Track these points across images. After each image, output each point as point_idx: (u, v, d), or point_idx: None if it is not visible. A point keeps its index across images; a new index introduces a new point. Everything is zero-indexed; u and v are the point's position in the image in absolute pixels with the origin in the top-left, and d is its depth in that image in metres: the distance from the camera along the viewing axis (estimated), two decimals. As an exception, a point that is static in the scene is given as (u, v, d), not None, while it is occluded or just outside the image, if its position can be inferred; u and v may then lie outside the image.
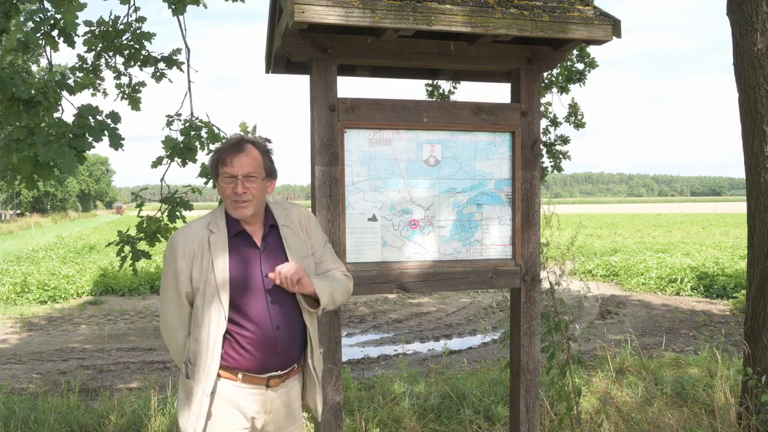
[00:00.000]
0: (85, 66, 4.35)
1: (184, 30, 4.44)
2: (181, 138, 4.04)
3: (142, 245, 4.28)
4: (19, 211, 65.32)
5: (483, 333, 8.82)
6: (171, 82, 4.62)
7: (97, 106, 3.23)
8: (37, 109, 3.25)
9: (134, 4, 4.38)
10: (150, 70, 4.51)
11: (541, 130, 5.44)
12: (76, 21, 3.13)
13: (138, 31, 4.31)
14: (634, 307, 11.01)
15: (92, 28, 4.24)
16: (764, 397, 3.89)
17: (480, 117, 2.95)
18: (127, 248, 4.26)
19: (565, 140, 7.32)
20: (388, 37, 2.61)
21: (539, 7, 2.64)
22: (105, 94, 4.86)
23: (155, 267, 14.63)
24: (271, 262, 2.27)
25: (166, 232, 4.20)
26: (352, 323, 9.85)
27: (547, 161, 7.29)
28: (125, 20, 4.33)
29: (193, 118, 4.22)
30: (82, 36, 4.23)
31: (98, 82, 4.59)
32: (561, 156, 7.32)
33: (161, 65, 4.49)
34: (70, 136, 3.08)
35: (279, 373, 2.27)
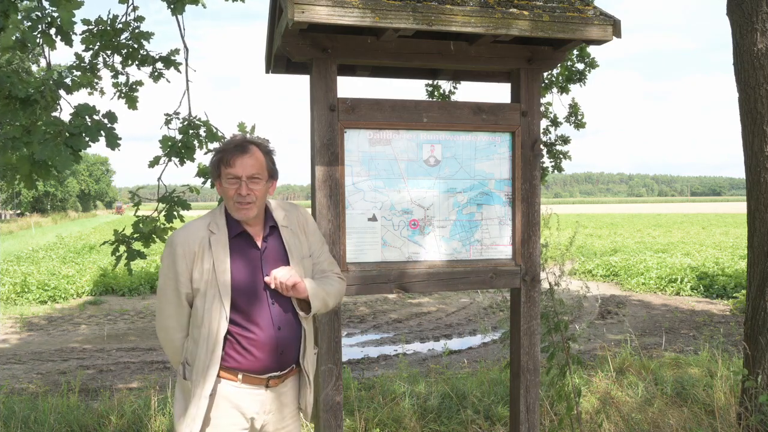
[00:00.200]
0: (82, 65, 4.35)
1: (183, 29, 4.44)
2: (179, 137, 4.03)
3: (137, 245, 4.27)
4: (19, 211, 65.32)
5: (483, 333, 8.82)
6: (169, 82, 4.62)
7: (93, 106, 3.23)
8: (34, 107, 3.25)
9: (133, 4, 4.38)
10: (148, 69, 4.50)
11: (542, 130, 5.44)
12: (73, 19, 3.12)
13: (136, 31, 4.30)
14: (634, 307, 11.01)
15: (90, 27, 4.24)
16: (762, 398, 3.89)
17: (480, 117, 2.95)
18: (122, 248, 4.25)
19: (565, 140, 7.32)
20: (388, 37, 2.61)
21: (539, 7, 2.64)
22: (102, 93, 4.85)
23: (155, 267, 14.64)
24: (271, 262, 2.27)
25: (162, 232, 4.19)
26: (352, 323, 9.85)
27: (547, 161, 7.29)
28: (124, 19, 4.33)
29: (192, 117, 4.21)
30: (80, 35, 4.23)
31: (96, 81, 4.58)
32: (561, 156, 7.32)
33: (159, 65, 4.49)
34: (67, 134, 3.08)
35: (278, 373, 2.28)
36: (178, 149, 3.97)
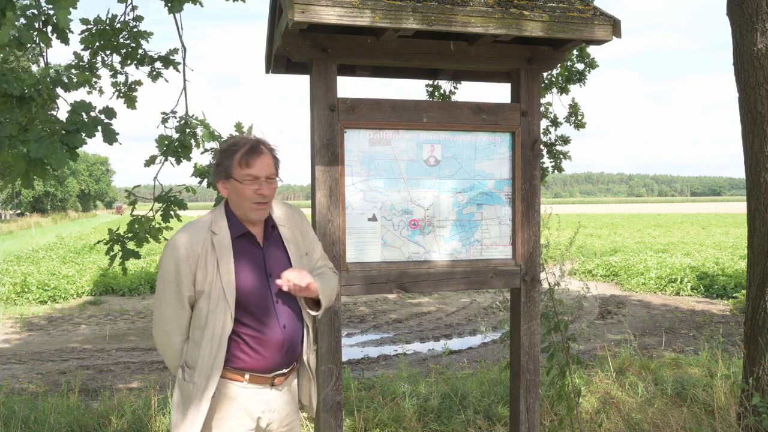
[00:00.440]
0: (81, 64, 4.35)
1: (181, 29, 4.45)
2: (175, 136, 4.03)
3: (132, 245, 4.26)
4: (19, 211, 65.32)
5: (483, 333, 8.82)
6: (167, 81, 4.62)
7: (90, 103, 3.22)
8: (30, 105, 3.24)
9: (132, 3, 4.38)
10: (146, 69, 4.50)
11: (542, 131, 5.44)
12: (69, 17, 3.11)
13: (135, 30, 4.30)
14: (634, 307, 11.01)
15: (89, 27, 4.23)
16: (755, 399, 3.89)
17: (480, 117, 2.95)
18: (116, 247, 4.24)
19: (565, 140, 7.32)
20: (388, 37, 2.61)
21: (539, 7, 2.64)
22: (101, 92, 4.85)
23: (155, 267, 14.64)
24: (274, 261, 2.29)
25: (157, 232, 4.18)
26: (352, 323, 9.85)
27: (547, 161, 7.29)
28: (122, 19, 4.33)
29: (189, 117, 4.21)
30: (79, 34, 4.22)
31: (94, 80, 4.57)
32: (561, 156, 7.32)
33: (158, 64, 4.49)
34: (62, 132, 3.07)
35: (284, 371, 2.30)
36: (174, 148, 3.96)
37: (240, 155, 2.22)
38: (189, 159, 4.02)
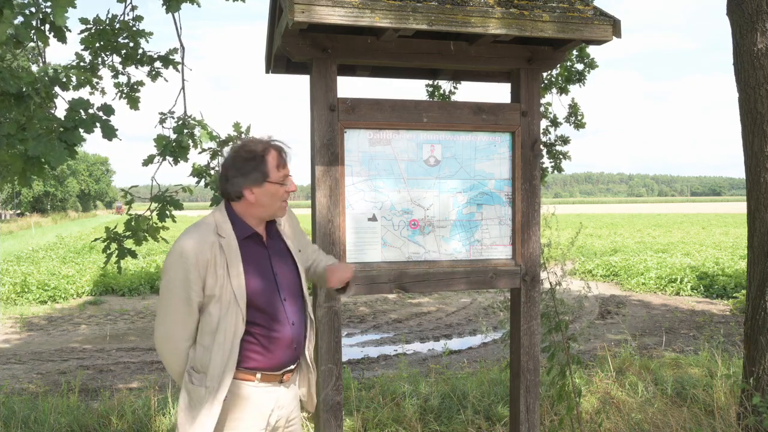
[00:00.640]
0: (82, 64, 4.35)
1: (180, 28, 4.45)
2: (173, 136, 4.03)
3: (129, 243, 4.26)
4: (19, 211, 65.30)
5: (483, 333, 8.82)
6: (167, 81, 4.62)
7: (87, 100, 3.21)
8: (27, 103, 3.23)
9: (131, 3, 4.38)
10: (146, 69, 4.50)
11: (541, 131, 5.43)
12: (66, 15, 3.11)
13: (134, 29, 4.31)
14: (634, 307, 11.01)
15: (89, 26, 4.23)
16: (755, 399, 3.89)
17: (480, 117, 2.95)
18: (113, 245, 4.24)
19: (565, 140, 7.32)
20: (388, 37, 2.61)
21: (539, 7, 2.64)
22: (103, 92, 4.85)
23: (155, 267, 14.64)
24: (279, 260, 2.33)
25: (154, 231, 4.18)
26: (352, 323, 9.85)
27: (547, 161, 7.29)
28: (122, 18, 4.33)
29: (187, 117, 4.21)
30: (79, 33, 4.22)
31: (96, 80, 4.57)
32: (561, 156, 7.31)
33: (157, 64, 4.49)
34: (60, 129, 3.06)
35: (291, 367, 2.34)
36: (172, 148, 3.96)
37: (276, 157, 2.24)
38: (186, 160, 4.02)
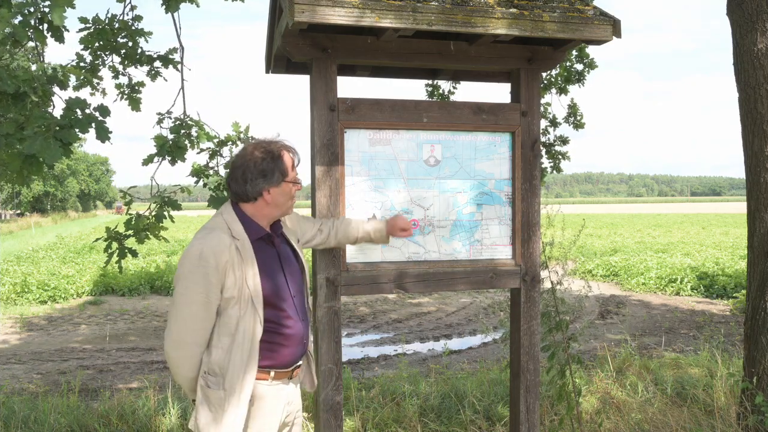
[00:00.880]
0: (82, 64, 4.34)
1: (179, 28, 4.45)
2: (170, 136, 4.03)
3: (131, 242, 4.27)
4: (19, 211, 65.28)
5: (483, 333, 8.82)
6: (166, 80, 4.61)
7: (84, 100, 3.21)
8: (24, 102, 3.22)
9: (130, 3, 4.37)
10: (146, 68, 4.50)
11: (540, 131, 5.42)
12: (65, 15, 3.10)
13: (134, 29, 4.30)
14: (633, 307, 11.01)
15: (87, 26, 4.22)
16: (758, 399, 3.89)
17: (480, 117, 2.95)
18: (114, 244, 4.24)
19: (564, 141, 7.31)
20: (388, 37, 2.61)
21: (539, 7, 2.64)
22: (104, 93, 4.85)
23: (155, 267, 14.64)
24: (286, 258, 2.38)
25: (156, 230, 4.19)
26: (352, 323, 9.85)
27: (546, 162, 7.28)
28: (121, 18, 4.33)
29: (184, 117, 4.21)
30: (78, 33, 4.22)
31: (96, 81, 4.57)
32: (560, 156, 7.31)
33: (157, 64, 4.48)
34: (56, 128, 3.06)
35: (299, 363, 2.40)
36: (169, 148, 3.96)
37: (292, 158, 2.31)
38: (183, 160, 4.01)
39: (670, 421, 4.34)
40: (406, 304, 11.36)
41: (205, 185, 4.09)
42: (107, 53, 4.38)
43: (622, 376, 5.45)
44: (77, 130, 3.12)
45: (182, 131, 4.06)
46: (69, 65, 4.34)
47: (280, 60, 3.22)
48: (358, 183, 2.84)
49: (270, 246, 2.33)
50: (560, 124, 7.32)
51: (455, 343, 8.46)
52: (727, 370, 5.08)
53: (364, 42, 2.76)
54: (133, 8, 4.39)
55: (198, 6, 4.46)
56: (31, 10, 3.23)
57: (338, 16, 2.38)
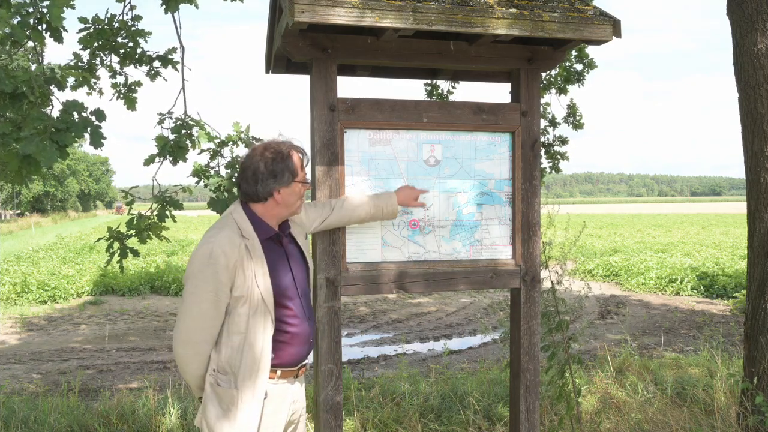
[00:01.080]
0: (80, 64, 4.33)
1: (179, 28, 4.45)
2: (172, 136, 4.03)
3: (132, 242, 4.27)
4: (19, 211, 65.27)
5: (483, 333, 8.82)
6: (165, 80, 4.61)
7: (82, 103, 3.21)
8: (22, 102, 3.22)
9: (129, 2, 4.37)
10: (145, 68, 4.49)
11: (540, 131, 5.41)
12: (63, 15, 3.10)
13: (133, 29, 4.30)
14: (633, 307, 11.01)
15: (87, 26, 4.22)
16: (758, 399, 3.89)
17: (480, 117, 2.95)
18: (116, 244, 4.24)
19: (563, 141, 7.31)
20: (388, 37, 2.61)
21: (539, 7, 2.64)
22: (101, 93, 4.84)
23: (155, 267, 14.64)
24: (293, 257, 2.40)
25: (157, 229, 4.19)
26: (352, 323, 9.85)
27: (545, 162, 7.27)
28: (121, 18, 4.32)
29: (185, 117, 4.21)
30: (77, 33, 4.21)
31: (94, 81, 4.56)
32: (559, 157, 7.30)
33: (156, 64, 4.48)
34: (53, 130, 3.06)
35: (306, 362, 2.42)
36: (170, 149, 3.96)
37: (300, 158, 2.33)
38: (185, 160, 4.01)
39: (670, 421, 4.34)
40: (406, 304, 11.36)
41: (205, 186, 4.09)
42: (106, 53, 4.38)
43: (622, 376, 5.45)
44: (73, 134, 3.12)
45: (183, 131, 4.06)
46: (66, 65, 4.34)
47: (280, 60, 3.22)
48: (358, 183, 2.84)
49: (278, 245, 2.35)
50: (559, 124, 7.32)
51: (455, 343, 8.46)
52: (727, 370, 5.08)
53: (364, 42, 2.76)
54: (132, 8, 4.39)
55: (197, 7, 4.46)
56: (30, 10, 3.23)
57: (338, 16, 2.38)
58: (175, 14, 4.27)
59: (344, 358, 5.49)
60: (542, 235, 3.20)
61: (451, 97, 7.09)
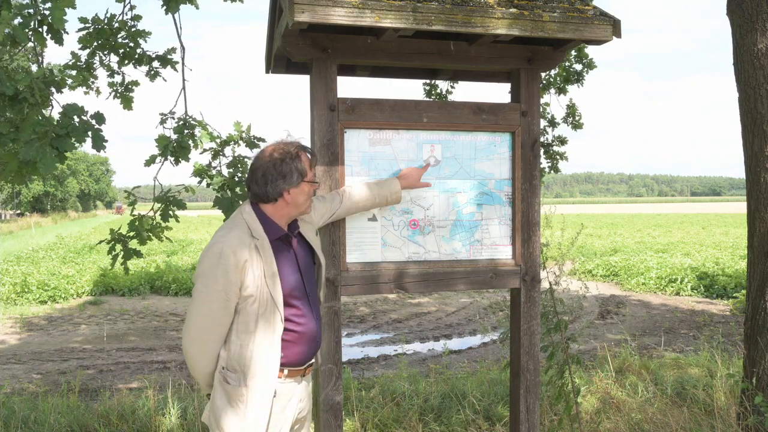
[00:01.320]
0: (78, 64, 4.33)
1: (180, 28, 4.45)
2: (174, 136, 4.03)
3: (134, 244, 4.27)
4: (19, 211, 65.27)
5: (483, 333, 8.82)
6: (165, 80, 4.60)
7: (82, 106, 3.20)
8: (22, 105, 3.21)
9: (129, 2, 4.37)
10: (145, 68, 4.49)
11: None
12: (65, 17, 3.09)
13: (133, 29, 4.30)
14: (633, 307, 11.01)
15: (87, 26, 4.22)
16: (758, 399, 3.89)
17: (480, 117, 2.95)
18: (118, 246, 4.25)
19: (562, 141, 7.31)
20: (388, 37, 2.61)
21: (539, 7, 2.64)
22: (98, 92, 4.83)
23: (155, 267, 14.64)
24: (302, 257, 2.41)
25: (158, 231, 4.19)
26: (352, 323, 9.85)
27: (544, 162, 7.27)
28: (120, 18, 4.32)
29: (187, 117, 4.21)
30: (77, 32, 4.21)
31: (91, 80, 4.55)
32: (558, 157, 7.31)
33: (156, 64, 4.48)
34: (53, 135, 3.05)
35: (312, 361, 2.43)
36: (173, 149, 3.96)
37: (309, 157, 2.33)
38: (187, 160, 4.02)
39: (670, 421, 4.34)
40: (406, 304, 11.36)
41: (208, 185, 4.09)
42: (106, 53, 4.37)
43: (621, 376, 5.45)
44: (74, 139, 3.12)
45: (185, 131, 4.06)
46: (65, 65, 4.33)
47: (280, 60, 3.22)
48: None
49: (287, 245, 2.36)
50: (559, 124, 7.32)
51: (455, 343, 8.46)
52: (727, 370, 5.08)
53: (364, 42, 2.76)
54: (132, 8, 4.39)
55: (197, 8, 4.45)
56: (31, 11, 3.22)
57: (338, 16, 2.38)
58: (176, 15, 4.27)
59: (344, 358, 5.49)
60: (541, 235, 3.20)
61: (450, 97, 7.09)
